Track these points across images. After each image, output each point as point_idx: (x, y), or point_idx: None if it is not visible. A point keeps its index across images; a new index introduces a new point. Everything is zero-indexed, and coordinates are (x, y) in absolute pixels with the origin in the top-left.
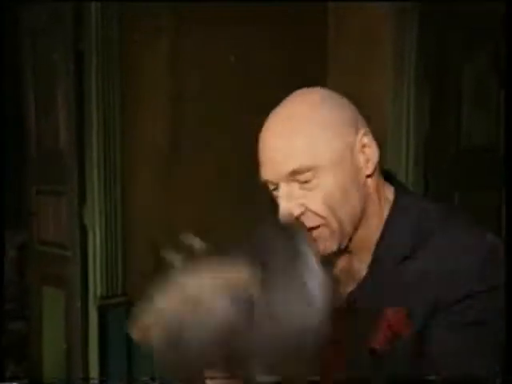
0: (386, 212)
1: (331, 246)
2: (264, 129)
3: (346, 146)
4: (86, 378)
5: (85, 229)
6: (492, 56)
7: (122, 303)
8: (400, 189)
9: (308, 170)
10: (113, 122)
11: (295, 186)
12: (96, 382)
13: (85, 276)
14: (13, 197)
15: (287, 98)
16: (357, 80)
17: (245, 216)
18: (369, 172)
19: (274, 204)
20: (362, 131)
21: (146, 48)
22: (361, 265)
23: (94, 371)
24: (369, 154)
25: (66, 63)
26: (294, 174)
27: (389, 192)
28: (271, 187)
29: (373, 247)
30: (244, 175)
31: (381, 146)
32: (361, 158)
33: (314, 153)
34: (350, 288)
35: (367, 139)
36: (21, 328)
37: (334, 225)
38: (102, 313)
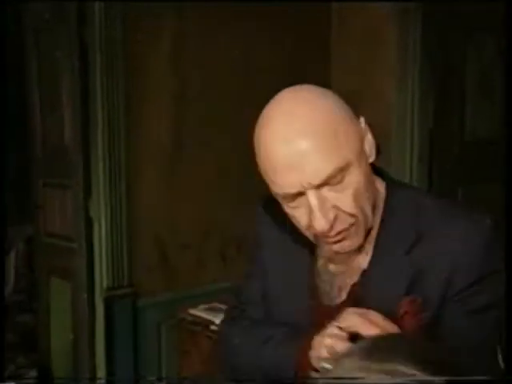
0: (381, 203)
1: (358, 241)
2: (271, 136)
3: (359, 136)
4: (93, 378)
5: (90, 221)
6: (495, 50)
7: (128, 294)
8: (392, 180)
9: (341, 170)
10: (117, 120)
11: (324, 190)
12: (103, 382)
13: (91, 268)
14: (20, 191)
15: (281, 101)
16: (360, 79)
17: (245, 215)
18: (372, 159)
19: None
20: (361, 119)
21: (148, 48)
22: (362, 257)
23: (100, 361)
24: (370, 140)
25: (70, 61)
26: (328, 179)
27: (379, 184)
28: (287, 199)
29: (373, 239)
30: (245, 174)
31: (385, 143)
32: (366, 146)
33: (342, 150)
34: (353, 280)
35: (364, 125)
36: (29, 320)
37: (362, 221)
38: (108, 304)
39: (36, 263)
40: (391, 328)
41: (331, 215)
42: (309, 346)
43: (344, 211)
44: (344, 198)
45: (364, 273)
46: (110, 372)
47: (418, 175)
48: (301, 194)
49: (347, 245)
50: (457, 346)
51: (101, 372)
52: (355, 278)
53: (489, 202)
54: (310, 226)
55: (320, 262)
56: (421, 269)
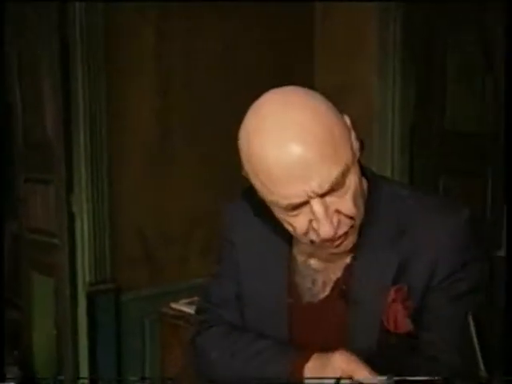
0: (364, 198)
1: (353, 240)
2: (269, 148)
3: (349, 135)
4: (76, 379)
5: (72, 216)
6: (478, 40)
7: (111, 289)
8: (374, 175)
9: (343, 174)
10: (99, 115)
11: (327, 196)
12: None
13: (73, 263)
14: (4, 187)
15: (272, 108)
16: (343, 74)
17: None
18: (357, 156)
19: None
20: (345, 117)
21: (131, 42)
22: (345, 252)
23: (83, 356)
24: (354, 137)
25: (51, 56)
26: (334, 185)
27: (363, 179)
28: (288, 209)
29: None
30: (229, 169)
31: (367, 136)
32: (354, 144)
33: (342, 154)
34: (336, 275)
35: (349, 123)
36: (14, 317)
37: (358, 221)
38: (91, 299)
39: (19, 259)
40: None
41: (335, 221)
42: (303, 362)
43: (345, 214)
44: (344, 202)
45: (348, 267)
46: (94, 366)
47: (400, 167)
48: (304, 203)
49: (344, 245)
50: (436, 331)
51: (84, 367)
52: (339, 273)
53: (469, 193)
54: (307, 233)
55: (300, 259)
56: (405, 260)
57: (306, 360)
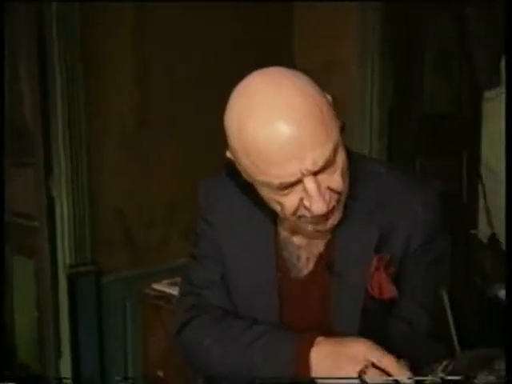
0: None
1: (339, 216)
2: (262, 129)
3: (332, 109)
4: (60, 378)
5: (52, 199)
6: (456, 24)
7: (92, 271)
8: (352, 153)
9: (335, 152)
10: (77, 97)
11: (320, 174)
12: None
13: (53, 246)
14: None
15: (259, 89)
16: (323, 56)
17: None
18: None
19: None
20: (326, 94)
21: (109, 24)
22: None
23: (65, 339)
24: (334, 110)
25: (28, 40)
26: (326, 163)
27: None
28: (280, 188)
29: None
30: (209, 150)
31: (346, 118)
32: (337, 121)
33: (331, 132)
34: (319, 250)
35: (331, 99)
36: None
37: (345, 196)
38: (72, 281)
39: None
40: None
41: (327, 198)
42: (308, 347)
43: (335, 191)
44: (334, 179)
45: (330, 242)
46: (75, 348)
47: (378, 148)
48: (296, 181)
49: (330, 222)
50: (410, 294)
51: (66, 349)
52: (321, 248)
53: (445, 173)
54: (297, 211)
55: (283, 235)
56: (385, 231)
57: (311, 344)
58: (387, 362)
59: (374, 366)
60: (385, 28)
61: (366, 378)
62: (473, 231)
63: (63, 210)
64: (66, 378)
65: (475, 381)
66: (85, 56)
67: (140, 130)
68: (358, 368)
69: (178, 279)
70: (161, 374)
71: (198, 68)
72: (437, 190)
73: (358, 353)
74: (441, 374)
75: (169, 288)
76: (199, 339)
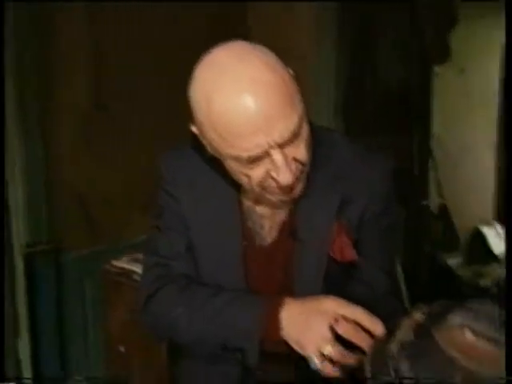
0: None
1: (303, 186)
2: (229, 102)
3: (295, 83)
4: (19, 378)
5: (5, 182)
6: (407, 2)
7: (49, 251)
8: (311, 124)
9: (300, 123)
10: (29, 77)
11: (286, 146)
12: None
13: (9, 226)
14: None
15: (223, 63)
16: (278, 36)
17: None
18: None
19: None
20: (289, 70)
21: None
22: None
23: (23, 319)
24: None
25: None
26: (293, 135)
27: None
28: (248, 161)
29: None
30: (168, 130)
31: (305, 97)
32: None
33: (297, 103)
34: (282, 218)
35: (292, 72)
36: None
37: (308, 167)
38: (29, 261)
39: None
40: (378, 326)
41: (293, 168)
42: (277, 309)
43: (300, 161)
44: (299, 150)
45: (292, 211)
46: (34, 329)
47: (334, 127)
48: (263, 154)
49: (294, 192)
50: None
51: (23, 330)
52: (284, 217)
53: (398, 149)
54: (263, 182)
55: (246, 205)
56: (344, 200)
57: (281, 305)
58: (358, 313)
59: (344, 319)
60: (340, 13)
61: (338, 330)
62: (424, 202)
63: (18, 191)
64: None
65: (450, 321)
66: (37, 40)
67: (98, 111)
68: (329, 322)
69: (137, 255)
70: (122, 349)
71: (155, 48)
72: (391, 165)
73: (327, 308)
74: (419, 314)
75: (129, 264)
76: (166, 309)
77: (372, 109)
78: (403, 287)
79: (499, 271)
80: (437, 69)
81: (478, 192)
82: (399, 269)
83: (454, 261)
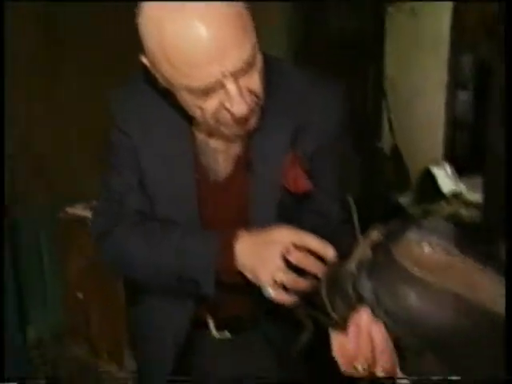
0: None
1: (257, 118)
2: (180, 32)
3: (249, 14)
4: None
5: None
6: None
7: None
8: (263, 53)
9: (253, 53)
10: None
11: (240, 76)
12: None
13: None
14: None
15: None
16: None
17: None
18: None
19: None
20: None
21: None
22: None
23: None
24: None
25: None
26: (247, 64)
27: None
28: (202, 91)
29: None
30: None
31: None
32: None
33: (250, 33)
34: (236, 152)
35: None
36: None
37: (262, 99)
38: None
39: None
40: (329, 251)
41: (248, 99)
42: (231, 241)
43: (254, 92)
44: (253, 81)
45: (246, 143)
46: None
47: None
48: (217, 85)
49: (249, 124)
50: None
51: None
52: (238, 150)
53: (353, 90)
54: (217, 114)
55: (200, 139)
56: (297, 129)
57: (234, 237)
58: (309, 240)
59: (296, 248)
60: None
61: (290, 258)
62: (378, 144)
63: None
64: None
65: (408, 237)
66: None
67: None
68: (281, 251)
69: (93, 203)
70: (80, 295)
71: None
72: (343, 87)
73: (280, 237)
74: (376, 233)
75: (83, 211)
76: (122, 246)
77: (326, 53)
78: (356, 218)
79: (447, 208)
80: (390, 9)
81: (429, 133)
82: (353, 207)
83: (405, 199)
